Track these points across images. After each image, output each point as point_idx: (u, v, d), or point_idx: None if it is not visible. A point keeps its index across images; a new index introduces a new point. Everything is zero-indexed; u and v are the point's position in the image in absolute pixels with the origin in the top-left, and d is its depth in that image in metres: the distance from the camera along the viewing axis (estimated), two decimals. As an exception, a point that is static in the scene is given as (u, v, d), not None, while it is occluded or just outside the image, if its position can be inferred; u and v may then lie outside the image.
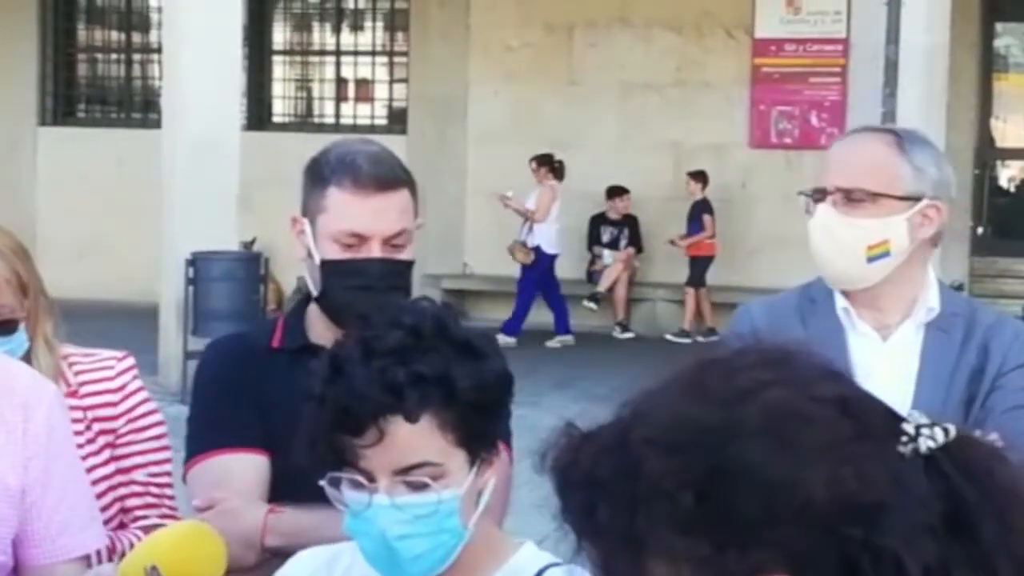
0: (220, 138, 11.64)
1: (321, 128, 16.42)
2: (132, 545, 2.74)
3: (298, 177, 2.87)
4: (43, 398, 2.56)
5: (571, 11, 15.84)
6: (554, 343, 14.59)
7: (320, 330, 2.81)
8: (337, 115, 17.52)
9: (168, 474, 3.09)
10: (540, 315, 14.97)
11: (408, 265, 2.80)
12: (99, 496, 2.89)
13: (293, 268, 12.23)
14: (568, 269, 15.61)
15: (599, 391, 10.72)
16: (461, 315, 2.31)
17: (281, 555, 2.46)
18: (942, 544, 1.18)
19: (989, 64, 15.59)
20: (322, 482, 2.13)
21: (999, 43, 15.92)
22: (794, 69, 15.29)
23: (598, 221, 15.70)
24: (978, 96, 15.24)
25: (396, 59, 17.33)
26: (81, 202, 16.80)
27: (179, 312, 11.73)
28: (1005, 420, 2.90)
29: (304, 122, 17.41)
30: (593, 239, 15.70)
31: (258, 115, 17.23)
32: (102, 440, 3.02)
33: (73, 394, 2.97)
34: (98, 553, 2.66)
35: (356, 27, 17.67)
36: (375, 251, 2.74)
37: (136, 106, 17.99)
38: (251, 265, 12.22)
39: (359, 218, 2.74)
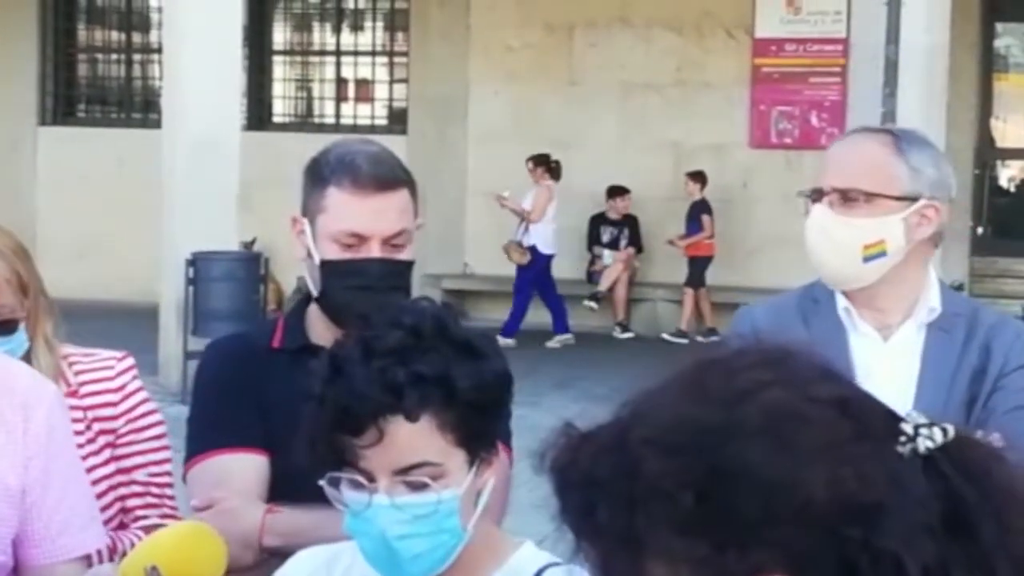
0: (220, 138, 11.64)
1: (321, 128, 16.42)
2: (133, 545, 2.74)
3: (298, 177, 2.87)
4: (43, 398, 2.56)
5: (571, 11, 15.84)
6: (554, 343, 14.59)
7: (320, 330, 2.81)
8: (337, 115, 17.52)
9: (168, 474, 3.09)
10: (540, 315, 14.98)
11: (408, 265, 2.80)
12: (99, 496, 2.89)
13: (293, 268, 12.23)
14: (568, 269, 15.61)
15: (599, 391, 10.72)
16: (461, 315, 2.31)
17: (280, 555, 2.47)
18: (941, 544, 1.18)
19: (989, 64, 15.59)
20: (322, 482, 2.13)
21: (999, 43, 15.92)
22: (794, 69, 15.29)
23: (598, 221, 15.70)
24: (978, 96, 15.24)
25: (396, 59, 17.34)
26: (81, 202, 16.81)
27: (179, 312, 11.74)
28: (1007, 420, 2.90)
29: (304, 122, 17.41)
30: (593, 239, 15.70)
31: (258, 115, 17.23)
32: (102, 440, 3.02)
33: (73, 394, 2.97)
34: (99, 553, 2.66)
35: (356, 27, 17.67)
36: (375, 251, 2.75)
37: (136, 106, 17.99)
38: (251, 265, 12.23)
39: (358, 218, 2.74)
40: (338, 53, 17.55)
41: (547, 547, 2.10)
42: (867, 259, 3.00)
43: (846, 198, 3.00)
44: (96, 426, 3.01)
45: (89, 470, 2.85)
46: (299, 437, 2.14)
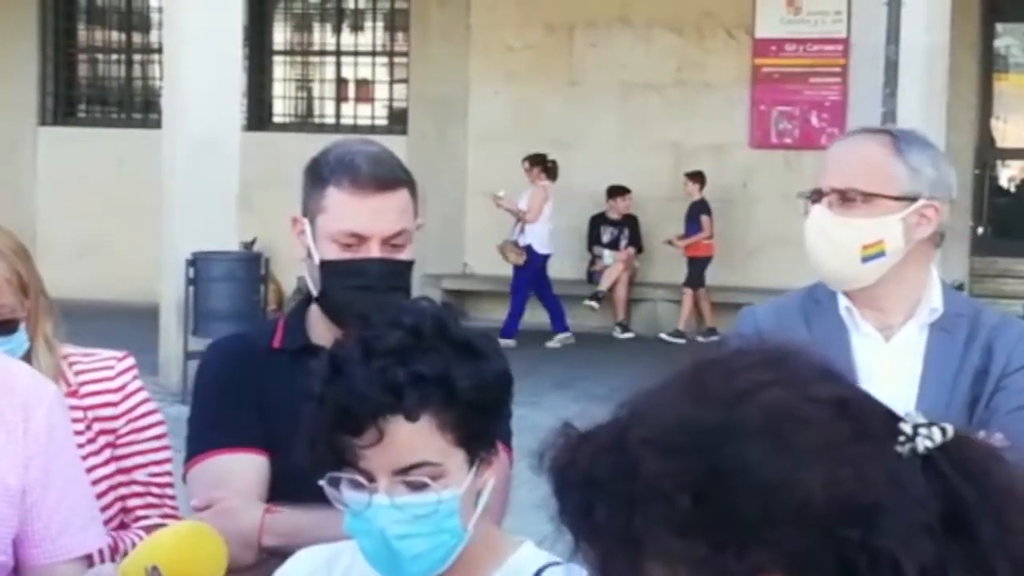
0: (220, 138, 11.64)
1: (321, 128, 16.42)
2: (134, 545, 2.74)
3: (298, 177, 2.87)
4: (43, 398, 2.56)
5: (571, 11, 15.84)
6: (554, 343, 14.59)
7: (321, 330, 2.81)
8: (337, 115, 17.52)
9: (169, 474, 3.09)
10: (540, 315, 14.98)
11: (408, 265, 2.81)
12: (100, 496, 2.89)
13: (293, 268, 12.23)
14: (568, 269, 15.62)
15: (599, 391, 10.72)
16: (461, 315, 2.31)
17: (280, 555, 2.47)
18: (940, 544, 1.18)
19: (989, 64, 15.59)
20: (322, 482, 2.13)
21: (999, 43, 15.92)
22: (794, 69, 15.29)
23: (598, 221, 15.70)
24: (978, 96, 15.24)
25: (396, 59, 17.34)
26: (81, 202, 16.81)
27: (179, 312, 11.74)
28: (1009, 421, 2.90)
29: (304, 122, 17.41)
30: (593, 239, 15.70)
31: (258, 115, 17.23)
32: (102, 440, 3.02)
33: (73, 394, 2.98)
34: (100, 552, 2.66)
35: (356, 27, 17.67)
36: (374, 251, 2.75)
37: (136, 106, 17.99)
38: (251, 265, 12.23)
39: (358, 218, 2.74)
40: (338, 53, 17.55)
41: (547, 547, 2.10)
42: (866, 259, 3.01)
43: (844, 198, 3.01)
44: (96, 426, 3.01)
45: (89, 470, 2.85)
46: (299, 437, 2.14)
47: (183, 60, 11.79)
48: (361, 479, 2.10)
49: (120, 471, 3.03)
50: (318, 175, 2.81)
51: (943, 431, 1.23)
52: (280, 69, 17.81)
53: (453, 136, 16.38)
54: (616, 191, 15.48)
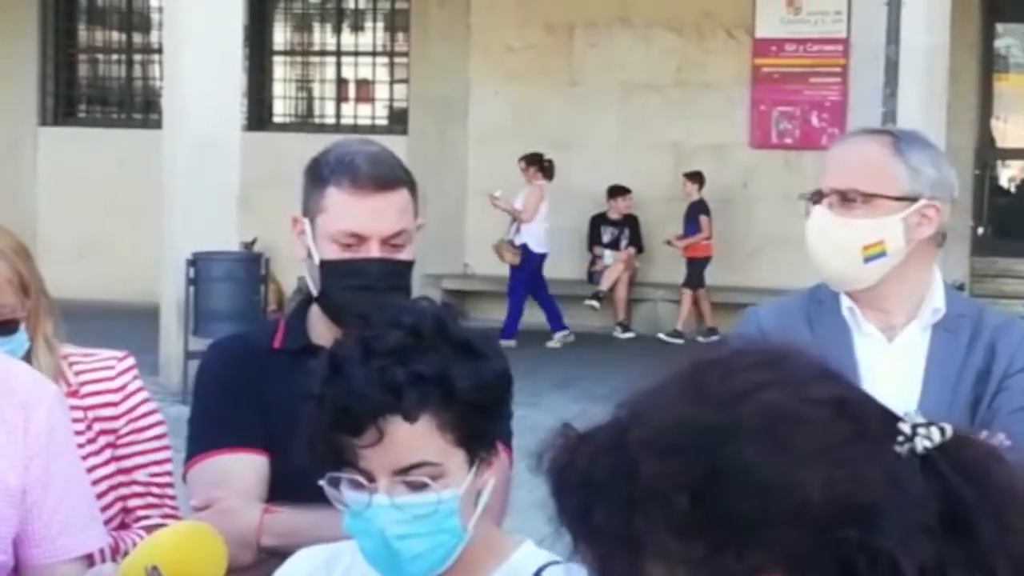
0: (221, 138, 11.65)
1: (322, 128, 16.42)
2: (135, 545, 2.74)
3: (299, 177, 2.87)
4: (44, 398, 2.56)
5: (572, 11, 15.84)
6: (555, 343, 14.59)
7: (321, 331, 2.81)
8: (338, 115, 17.52)
9: (169, 474, 3.09)
10: (540, 315, 14.98)
11: (408, 265, 2.80)
12: (100, 496, 2.89)
13: (294, 268, 12.23)
14: (568, 269, 15.62)
15: (599, 391, 10.72)
16: (461, 315, 2.31)
17: (280, 555, 2.47)
18: (939, 544, 1.18)
19: (989, 64, 15.59)
20: (321, 482, 2.13)
21: (999, 43, 15.92)
22: (794, 69, 15.29)
23: (598, 221, 15.70)
24: (978, 96, 15.24)
25: (397, 59, 17.34)
26: (82, 202, 16.81)
27: (180, 312, 11.74)
28: (1011, 421, 2.91)
29: (305, 122, 17.41)
30: (594, 239, 15.70)
31: (259, 115, 17.23)
32: (103, 440, 3.02)
33: (74, 394, 2.98)
34: (101, 552, 2.66)
35: (356, 27, 17.67)
36: (374, 251, 2.75)
37: (137, 106, 17.99)
38: (252, 265, 12.23)
39: (357, 218, 2.75)
40: (338, 53, 17.55)
41: (547, 547, 2.11)
42: (867, 259, 3.01)
43: (845, 199, 3.01)
44: (97, 426, 3.01)
45: (90, 470, 2.85)
46: (299, 437, 2.14)
47: (183, 60, 11.80)
48: (361, 479, 2.10)
49: (120, 471, 3.03)
50: (318, 175, 2.81)
51: (942, 431, 1.23)
52: (280, 69, 17.81)
53: (453, 136, 16.38)
54: (616, 191, 15.48)
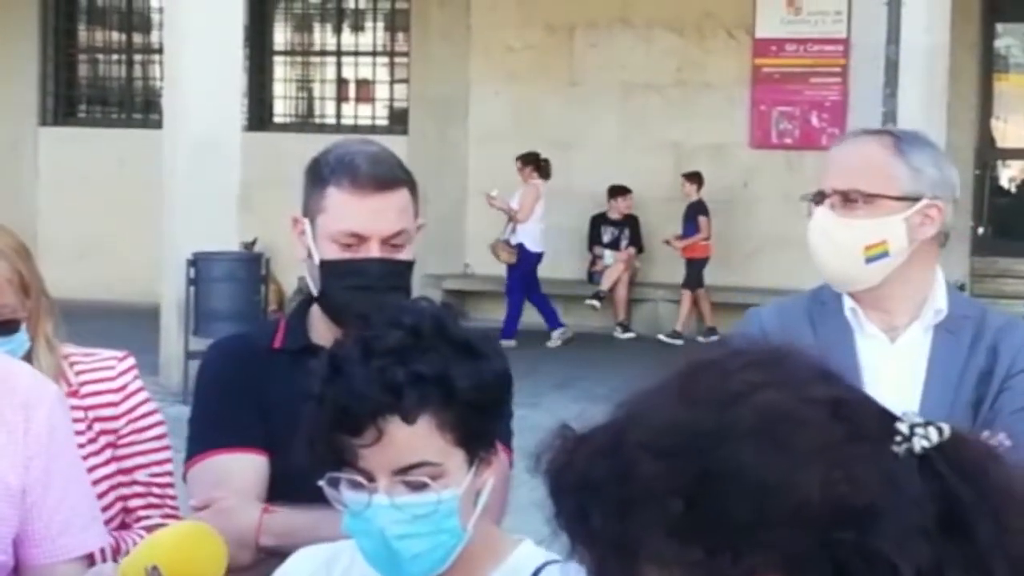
0: (221, 138, 11.65)
1: (322, 128, 16.43)
2: (136, 545, 2.74)
3: (299, 178, 2.88)
4: (44, 398, 2.56)
5: (572, 11, 15.84)
6: (555, 342, 14.59)
7: (322, 331, 2.81)
8: (338, 115, 17.52)
9: (170, 474, 3.10)
10: (536, 315, 14.98)
11: (408, 265, 2.80)
12: (101, 496, 2.89)
13: (294, 269, 12.23)
14: (568, 269, 15.62)
15: (599, 391, 10.72)
16: (461, 315, 2.31)
17: (279, 555, 2.47)
18: (936, 545, 1.18)
19: (989, 64, 15.59)
20: (321, 482, 2.13)
21: (999, 43, 15.92)
22: (795, 69, 15.29)
23: (599, 221, 15.70)
24: (978, 96, 15.24)
25: (397, 59, 17.34)
26: (82, 202, 16.81)
27: (180, 312, 11.74)
28: (1013, 421, 2.91)
29: (305, 122, 17.41)
30: (594, 239, 15.70)
31: (259, 115, 17.24)
32: (103, 440, 3.02)
33: (74, 394, 2.98)
34: (102, 552, 2.66)
35: (357, 27, 17.68)
36: (374, 251, 2.75)
37: (137, 106, 18.00)
38: (252, 266, 12.23)
39: (357, 218, 2.75)
40: (339, 53, 17.55)
41: (546, 547, 2.11)
42: (869, 260, 3.01)
43: (847, 199, 3.01)
44: (97, 426, 3.01)
45: (90, 470, 2.85)
46: (299, 437, 2.15)
47: (184, 60, 11.80)
48: (360, 479, 2.10)
49: (121, 471, 3.03)
50: (318, 175, 2.81)
51: (940, 431, 1.22)
52: (281, 69, 17.81)
53: (454, 136, 16.39)
54: (617, 191, 15.48)
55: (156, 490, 3.06)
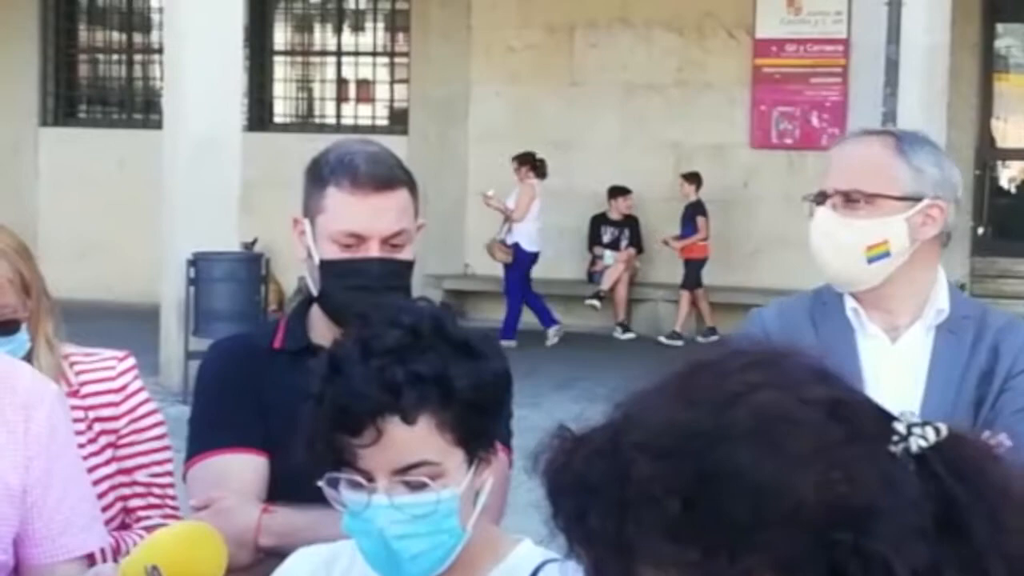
0: (221, 138, 11.65)
1: (322, 129, 16.43)
2: (136, 545, 2.74)
3: (299, 178, 2.88)
4: (44, 398, 2.56)
5: (572, 12, 15.84)
6: (552, 340, 14.59)
7: (322, 331, 2.81)
8: (338, 116, 17.53)
9: (170, 474, 3.10)
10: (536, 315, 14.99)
11: (408, 265, 2.80)
12: (101, 496, 2.89)
13: (294, 269, 12.23)
14: (568, 269, 15.62)
15: (600, 391, 10.58)
16: (460, 315, 2.31)
17: (278, 555, 2.47)
18: (933, 545, 1.17)
19: (990, 64, 15.59)
20: (320, 483, 2.13)
21: (1000, 43, 15.92)
22: (795, 69, 15.29)
23: (599, 221, 15.70)
24: (979, 96, 15.24)
25: (397, 60, 17.34)
26: (82, 202, 16.82)
27: (180, 313, 11.74)
28: (1014, 422, 2.91)
29: (305, 123, 17.41)
30: (594, 239, 15.70)
31: (259, 116, 17.24)
32: (104, 440, 3.02)
33: (74, 394, 2.98)
34: (102, 552, 2.66)
35: (357, 28, 17.68)
36: (374, 251, 2.75)
37: (137, 107, 18.00)
38: (252, 266, 12.23)
39: (357, 218, 2.75)
40: (339, 53, 17.55)
41: (545, 547, 2.11)
42: (871, 260, 3.01)
43: (848, 200, 3.02)
44: (97, 426, 3.02)
45: (90, 470, 2.85)
46: (298, 437, 2.15)
47: (184, 60, 11.80)
48: (360, 479, 2.10)
49: (121, 471, 3.03)
50: (318, 175, 2.81)
51: (937, 431, 1.22)
52: (281, 69, 17.81)
53: (454, 136, 16.39)
54: (617, 191, 15.48)
55: (156, 490, 3.06)
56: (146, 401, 3.10)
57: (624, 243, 15.59)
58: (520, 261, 14.83)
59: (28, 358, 2.89)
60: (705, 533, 1.18)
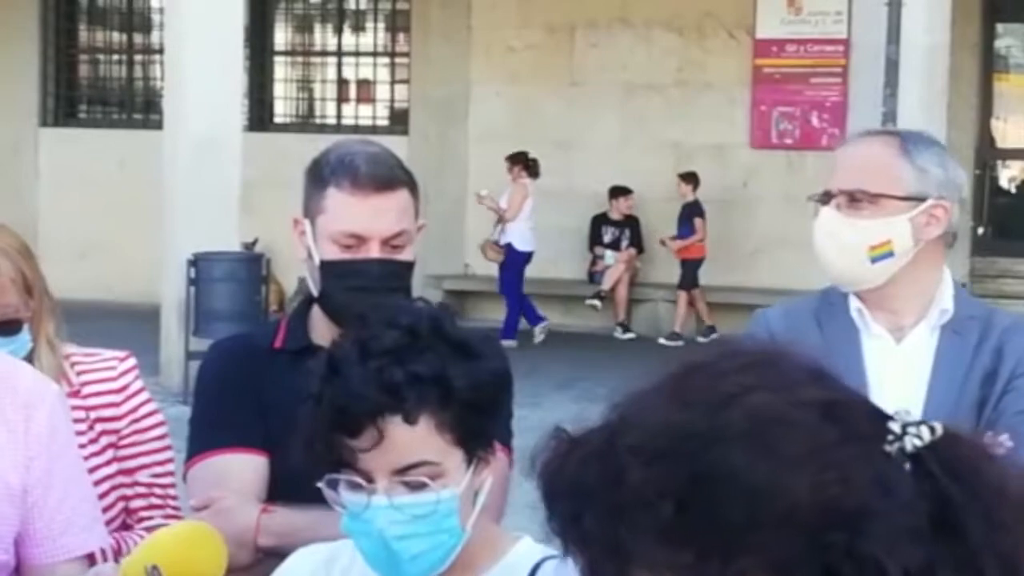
0: (222, 139, 11.65)
1: (323, 129, 16.43)
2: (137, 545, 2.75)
3: (300, 178, 2.88)
4: (45, 398, 2.56)
5: (572, 12, 15.85)
6: (538, 337, 14.57)
7: (322, 331, 2.81)
8: (339, 116, 17.53)
9: (171, 474, 3.10)
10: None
11: (408, 266, 2.80)
12: (102, 496, 2.90)
13: (295, 269, 12.24)
14: (569, 269, 15.62)
15: (600, 391, 10.64)
16: (458, 315, 2.31)
17: (278, 555, 2.47)
18: (927, 545, 1.17)
19: (990, 64, 15.59)
20: (319, 484, 2.13)
21: (1000, 43, 15.92)
22: (795, 69, 15.29)
23: (600, 221, 15.71)
24: (979, 96, 15.24)
25: (397, 60, 17.35)
26: (83, 203, 16.82)
27: (180, 313, 11.75)
28: (1016, 422, 2.91)
29: (306, 123, 17.42)
30: (595, 239, 15.70)
31: (260, 116, 17.24)
32: (105, 440, 3.02)
33: (76, 394, 2.98)
34: (103, 553, 2.66)
35: (357, 28, 17.68)
36: (374, 252, 2.75)
37: (138, 107, 18.00)
38: (253, 266, 12.23)
39: (357, 218, 2.75)
40: (339, 54, 17.56)
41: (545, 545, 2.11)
42: (874, 260, 3.02)
43: (852, 200, 3.02)
44: (99, 426, 3.02)
45: (92, 470, 2.86)
46: (297, 437, 2.15)
47: (184, 61, 11.80)
48: (359, 480, 2.10)
49: (123, 472, 3.04)
50: (318, 176, 2.81)
51: (932, 429, 1.22)
52: (281, 69, 17.82)
53: (454, 137, 16.39)
54: (618, 192, 15.49)
55: (158, 491, 3.06)
56: (147, 401, 3.10)
57: (625, 243, 15.59)
58: (513, 261, 14.82)
59: (30, 358, 2.89)
60: (698, 536, 1.17)
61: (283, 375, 2.72)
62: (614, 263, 15.42)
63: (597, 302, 15.24)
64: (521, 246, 14.83)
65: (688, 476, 1.18)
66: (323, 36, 17.75)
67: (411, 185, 2.83)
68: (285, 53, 17.80)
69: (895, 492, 1.18)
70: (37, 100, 17.72)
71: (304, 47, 17.89)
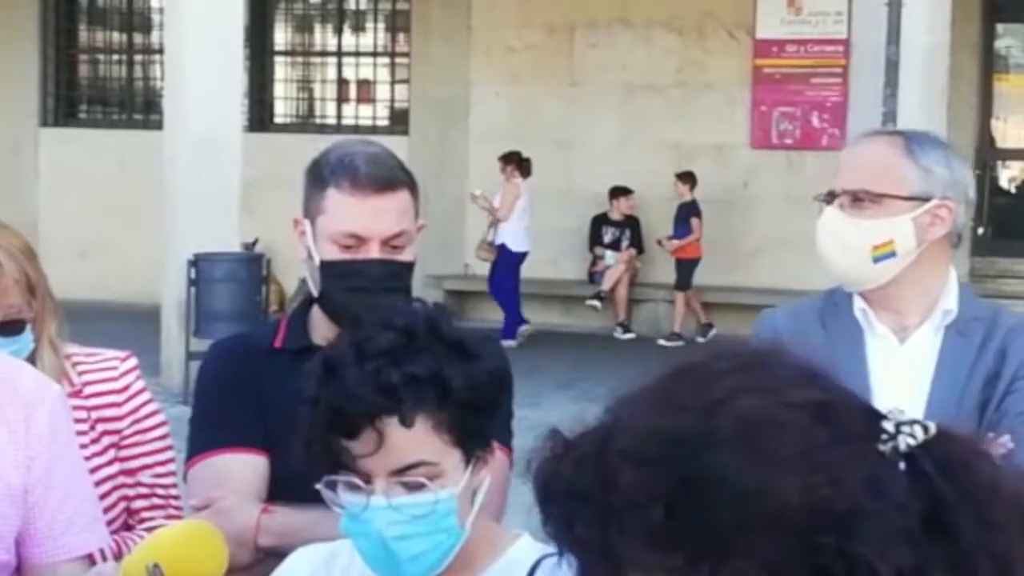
0: (222, 139, 11.65)
1: (323, 129, 16.43)
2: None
3: (300, 178, 2.88)
4: (46, 398, 2.57)
5: (572, 12, 15.85)
6: (519, 340, 14.54)
7: (323, 331, 2.81)
8: (339, 116, 17.53)
9: (173, 474, 3.10)
10: (540, 316, 14.98)
11: (408, 266, 2.81)
12: (104, 496, 2.90)
13: (295, 269, 12.24)
14: (569, 270, 15.62)
15: (600, 391, 10.61)
16: (454, 316, 2.31)
17: (278, 555, 2.47)
18: (920, 546, 1.17)
19: (990, 65, 15.60)
20: (318, 485, 2.13)
21: (1000, 44, 15.92)
22: (795, 70, 15.30)
23: (600, 222, 15.71)
24: (979, 97, 15.25)
25: (398, 60, 17.35)
26: (83, 203, 16.82)
27: (181, 313, 11.75)
28: (1017, 423, 2.91)
29: (306, 123, 17.42)
30: (595, 240, 15.71)
31: (260, 116, 17.24)
32: (106, 440, 3.03)
33: (77, 394, 2.98)
34: (102, 553, 2.67)
35: (358, 28, 17.68)
36: (374, 252, 2.75)
37: (138, 107, 18.00)
38: (253, 266, 12.24)
39: (357, 219, 2.75)
40: (339, 54, 17.56)
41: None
42: (877, 259, 3.02)
43: (856, 199, 3.02)
44: (100, 426, 3.02)
45: (93, 470, 2.86)
46: (296, 439, 2.15)
47: (184, 61, 11.81)
48: (358, 480, 2.11)
49: (124, 472, 3.04)
50: (318, 176, 2.81)
51: (925, 429, 1.22)
52: (281, 70, 17.82)
53: (454, 137, 16.39)
54: (619, 192, 15.49)
55: (160, 491, 3.07)
56: (149, 401, 3.10)
57: (625, 243, 15.60)
58: (507, 261, 14.81)
59: (32, 358, 2.90)
60: (689, 539, 1.17)
61: (283, 375, 2.72)
62: (614, 263, 15.42)
63: (597, 302, 15.24)
64: (515, 246, 14.82)
65: (678, 480, 1.18)
66: (323, 36, 17.75)
67: (411, 185, 2.83)
68: (285, 53, 17.81)
69: (888, 492, 1.18)
70: (37, 100, 17.73)
71: (304, 47, 17.89)
